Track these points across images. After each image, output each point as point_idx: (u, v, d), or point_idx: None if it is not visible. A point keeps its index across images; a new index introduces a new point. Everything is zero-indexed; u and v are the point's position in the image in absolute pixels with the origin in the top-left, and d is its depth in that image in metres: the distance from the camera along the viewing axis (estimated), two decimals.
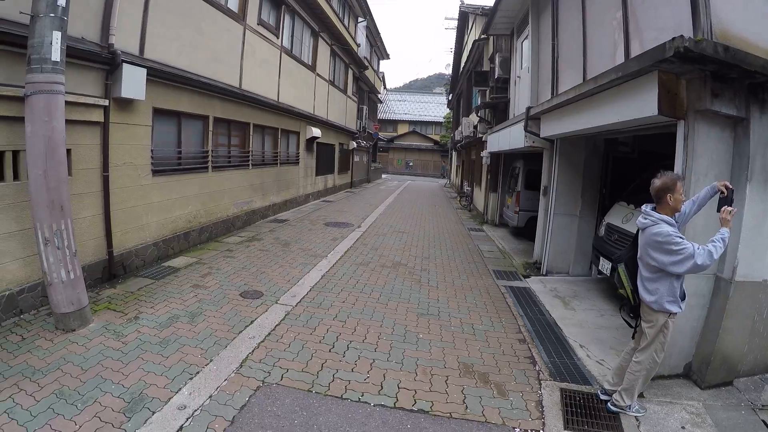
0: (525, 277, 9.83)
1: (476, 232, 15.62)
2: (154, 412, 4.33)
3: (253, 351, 5.67)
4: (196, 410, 4.41)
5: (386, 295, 7.99)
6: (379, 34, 35.82)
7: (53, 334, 5.89)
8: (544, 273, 10.03)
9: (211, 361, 5.37)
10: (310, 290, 8.00)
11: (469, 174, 26.54)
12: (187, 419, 4.27)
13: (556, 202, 9.86)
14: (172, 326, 6.27)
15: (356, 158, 32.18)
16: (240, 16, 12.39)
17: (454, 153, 41.23)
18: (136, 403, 4.46)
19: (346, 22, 24.55)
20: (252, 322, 6.52)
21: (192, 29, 10.18)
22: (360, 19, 28.35)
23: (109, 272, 8.05)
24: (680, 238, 4.13)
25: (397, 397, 4.85)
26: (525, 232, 14.00)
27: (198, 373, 5.08)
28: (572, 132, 8.15)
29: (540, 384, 5.28)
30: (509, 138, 12.45)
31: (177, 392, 4.68)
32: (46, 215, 5.74)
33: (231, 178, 12.68)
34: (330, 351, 5.79)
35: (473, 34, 24.01)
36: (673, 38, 4.49)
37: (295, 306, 7.24)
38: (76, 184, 7.11)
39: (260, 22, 13.73)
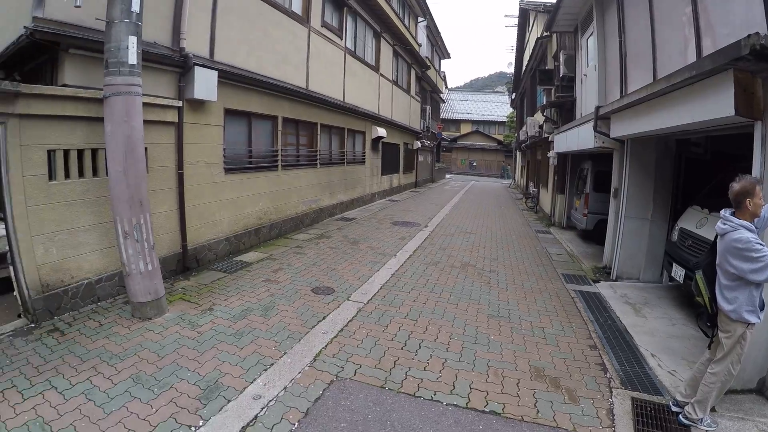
0: (594, 281, 9.35)
1: (543, 235, 15.07)
2: (229, 401, 4.37)
3: (326, 346, 5.62)
4: (270, 401, 4.41)
5: (456, 295, 7.78)
6: (439, 33, 35.44)
7: (130, 322, 6.09)
8: (614, 278, 9.50)
9: (285, 353, 5.36)
10: (381, 288, 7.90)
11: (534, 175, 25.80)
12: (262, 409, 4.27)
13: (626, 205, 9.31)
14: (245, 318, 6.32)
15: (420, 158, 31.98)
16: (304, 19, 12.48)
17: (518, 153, 40.03)
18: (212, 391, 4.51)
19: (406, 22, 24.43)
20: (324, 318, 6.48)
21: (259, 32, 10.32)
22: (420, 19, 28.08)
23: (183, 265, 8.27)
24: (760, 245, 3.83)
25: (469, 398, 4.69)
26: (594, 235, 13.23)
27: (272, 365, 5.09)
28: (644, 133, 7.70)
29: (611, 392, 5.00)
30: (577, 138, 11.90)
31: (252, 382, 4.71)
32: (126, 210, 5.93)
33: (300, 176, 12.79)
34: (402, 349, 5.67)
35: (535, 31, 23.33)
36: (749, 35, 4.15)
37: (367, 303, 7.15)
38: (153, 180, 7.31)
39: (324, 24, 13.80)
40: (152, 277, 6.22)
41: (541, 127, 20.84)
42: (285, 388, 4.64)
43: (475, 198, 26.74)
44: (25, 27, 6.01)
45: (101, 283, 6.76)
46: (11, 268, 6.02)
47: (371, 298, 7.36)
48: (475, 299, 7.64)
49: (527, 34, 28.37)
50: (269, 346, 5.52)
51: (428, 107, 33.36)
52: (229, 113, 9.55)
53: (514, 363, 5.50)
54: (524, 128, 27.22)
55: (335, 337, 5.89)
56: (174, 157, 7.95)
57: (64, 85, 6.37)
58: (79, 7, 5.87)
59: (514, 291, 8.27)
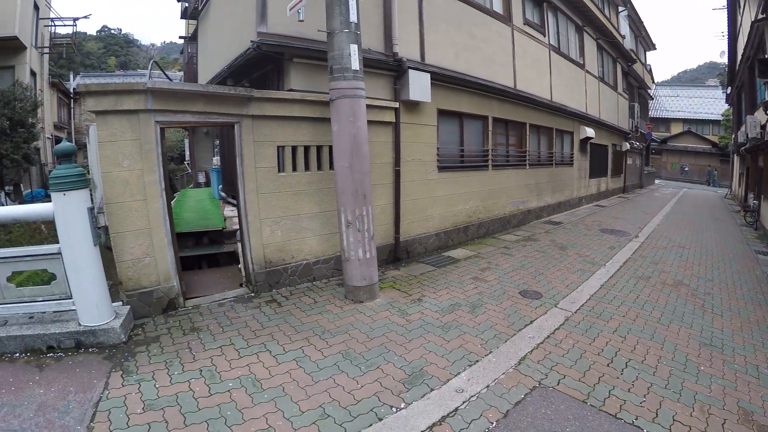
0: None
1: (764, 257, 12.46)
2: (432, 389, 4.26)
3: (531, 351, 5.18)
4: (472, 396, 4.21)
5: (667, 316, 6.70)
6: (641, 22, 31.60)
7: (342, 303, 6.38)
8: None
9: (490, 352, 5.06)
10: (590, 298, 7.13)
11: (755, 185, 21.59)
12: (463, 403, 4.10)
13: None
14: (453, 313, 6.09)
15: (629, 161, 29.11)
16: (506, 18, 11.93)
17: (736, 158, 33.84)
18: (416, 378, 4.44)
19: (607, 12, 22.07)
20: (531, 322, 5.99)
21: (465, 34, 10.10)
22: (620, 9, 25.41)
23: (394, 255, 8.43)
24: None
25: (670, 430, 3.97)
26: None
27: (477, 362, 4.84)
28: None
29: None
30: None
31: (455, 375, 4.53)
32: (350, 202, 6.17)
33: (508, 177, 12.26)
34: (608, 365, 5.00)
35: (748, 14, 19.25)
36: None
37: (575, 313, 6.49)
38: (372, 176, 7.39)
39: (526, 22, 13.05)
40: (369, 265, 6.38)
41: (763, 127, 17.08)
42: (488, 386, 4.39)
43: (687, 208, 23.41)
44: (252, 41, 6.73)
45: (318, 265, 7.26)
46: (239, 244, 7.06)
47: (579, 308, 6.67)
48: (687, 323, 6.49)
49: (739, 17, 23.54)
50: (475, 343, 5.26)
51: (636, 105, 30.12)
52: (442, 113, 9.52)
53: (722, 400, 4.53)
54: (743, 128, 22.88)
55: (541, 343, 5.41)
56: (391, 155, 8.18)
57: (291, 90, 6.94)
58: (302, 21, 6.31)
59: (729, 319, 6.83)
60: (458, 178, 10.05)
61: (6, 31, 19.34)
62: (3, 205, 17.64)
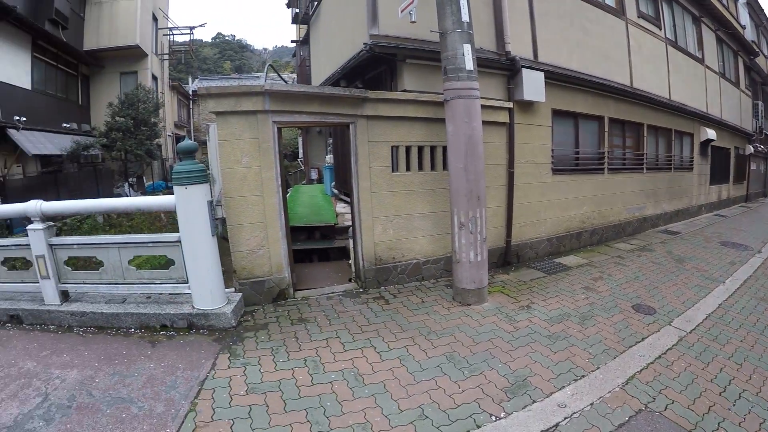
0: None
1: None
2: (534, 401, 4.08)
3: (640, 370, 4.77)
4: (575, 413, 3.98)
5: None
6: (762, 11, 28.25)
7: (450, 304, 6.25)
8: None
9: (597, 368, 4.72)
10: (706, 318, 6.44)
11: None
12: (565, 419, 3.89)
13: None
14: (562, 323, 5.78)
15: (752, 166, 26.34)
16: (619, 11, 11.13)
17: None
18: (519, 387, 4.28)
19: (724, 1, 20.15)
20: (643, 340, 5.52)
21: (577, 30, 9.61)
22: None
23: (504, 259, 8.15)
24: None
25: None
26: None
27: (583, 377, 4.55)
28: None
29: None
30: None
31: (560, 389, 4.29)
32: (463, 203, 6.04)
33: (624, 181, 11.46)
34: (720, 394, 4.46)
35: None
36: None
37: (689, 333, 5.89)
38: (485, 177, 7.19)
39: (640, 15, 12.10)
40: (479, 268, 6.21)
41: None
42: (592, 404, 4.12)
43: None
44: (364, 43, 6.79)
45: (427, 264, 7.19)
46: (350, 240, 7.14)
47: (694, 328, 6.04)
48: None
49: None
50: (583, 357, 4.94)
51: (760, 103, 27.10)
52: (556, 114, 9.12)
53: None
54: None
55: (651, 363, 4.96)
56: (505, 156, 7.94)
57: (404, 91, 6.94)
58: (414, 22, 6.29)
59: None
60: (572, 182, 9.56)
61: (128, 41, 21.79)
62: (127, 195, 19.43)
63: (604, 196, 10.56)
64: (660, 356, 5.12)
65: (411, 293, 6.60)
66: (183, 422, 3.80)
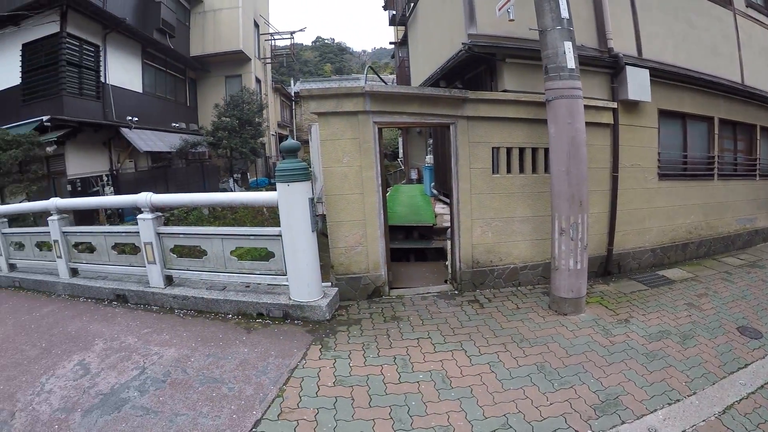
0: None
1: None
2: (623, 422, 3.81)
3: (740, 400, 4.29)
4: None
5: None
6: None
7: (545, 312, 6.00)
8: None
9: (694, 393, 4.32)
10: None
11: None
12: None
13: None
14: (661, 341, 5.35)
15: None
16: (726, 1, 10.09)
17: None
18: (609, 406, 4.01)
19: None
20: (746, 366, 4.94)
21: (682, 23, 8.89)
22: None
23: (604, 269, 7.70)
24: None
25: None
26: None
27: (678, 401, 4.17)
28: None
29: None
30: None
31: (651, 412, 3.97)
32: (565, 208, 5.80)
33: (735, 189, 10.39)
34: None
35: None
36: None
37: None
38: (588, 182, 6.89)
39: (749, 4, 10.85)
40: (578, 276, 5.91)
41: None
42: (684, 431, 3.77)
43: None
44: (462, 43, 6.71)
45: (525, 270, 6.95)
46: (448, 242, 7.06)
47: None
48: None
49: None
50: (679, 379, 4.52)
51: None
52: (663, 114, 8.47)
53: None
54: None
55: (753, 393, 4.44)
56: (609, 160, 7.49)
57: (504, 91, 6.80)
58: (512, 20, 6.16)
59: None
60: (679, 188, 8.85)
61: (231, 47, 23.47)
62: (231, 190, 20.70)
63: (712, 204, 9.66)
64: (763, 386, 4.59)
65: (506, 298, 6.42)
66: (269, 406, 3.99)
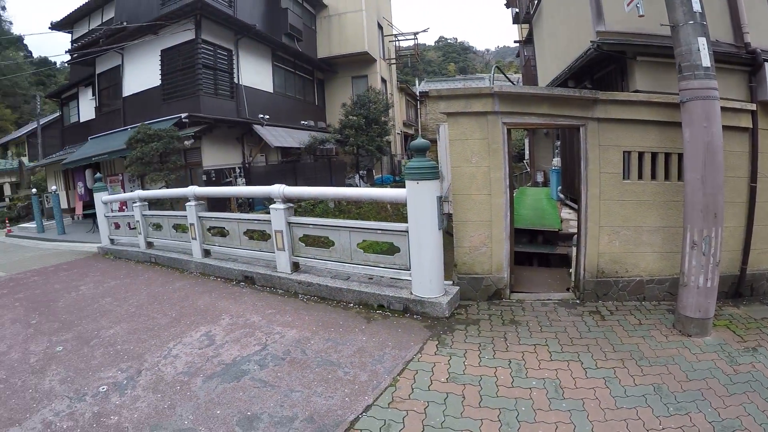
0: None
1: None
2: None
3: None
4: None
5: None
6: None
7: (668, 331, 5.55)
8: None
9: None
10: None
11: None
12: None
13: None
14: None
15: None
16: None
17: None
18: None
19: None
20: None
21: None
22: None
23: (735, 290, 6.88)
24: None
25: None
26: None
27: None
28: None
29: None
30: None
31: None
32: (698, 220, 5.32)
33: None
34: None
35: None
36: None
37: None
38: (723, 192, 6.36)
39: None
40: (708, 295, 5.40)
41: None
42: None
43: None
44: (591, 41, 6.48)
45: (651, 284, 6.45)
46: (573, 248, 6.77)
47: None
48: None
49: None
50: None
51: None
52: None
53: None
54: None
55: None
56: (747, 168, 6.66)
57: (636, 91, 6.48)
58: (642, 16, 5.86)
59: None
60: None
61: (357, 48, 24.34)
62: (357, 185, 21.80)
63: None
64: None
65: (629, 312, 6.04)
66: (381, 394, 4.12)
